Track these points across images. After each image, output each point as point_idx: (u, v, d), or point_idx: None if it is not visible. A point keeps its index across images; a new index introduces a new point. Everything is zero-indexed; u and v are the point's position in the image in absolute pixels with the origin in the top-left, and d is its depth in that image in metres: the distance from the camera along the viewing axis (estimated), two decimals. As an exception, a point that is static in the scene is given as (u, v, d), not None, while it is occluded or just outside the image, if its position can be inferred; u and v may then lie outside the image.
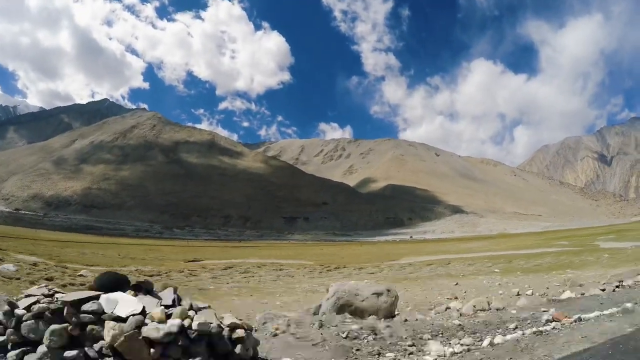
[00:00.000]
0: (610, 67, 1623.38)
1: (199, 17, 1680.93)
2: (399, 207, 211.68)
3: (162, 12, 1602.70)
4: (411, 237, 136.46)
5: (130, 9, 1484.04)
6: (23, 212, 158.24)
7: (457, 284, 19.88)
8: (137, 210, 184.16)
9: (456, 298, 15.03)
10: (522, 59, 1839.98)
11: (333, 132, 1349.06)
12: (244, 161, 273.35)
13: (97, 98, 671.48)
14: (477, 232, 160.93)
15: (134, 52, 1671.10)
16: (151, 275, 23.59)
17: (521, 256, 35.04)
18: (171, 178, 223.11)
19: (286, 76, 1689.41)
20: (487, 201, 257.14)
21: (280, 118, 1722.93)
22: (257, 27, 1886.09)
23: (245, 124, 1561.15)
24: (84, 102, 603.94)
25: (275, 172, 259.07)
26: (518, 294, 14.11)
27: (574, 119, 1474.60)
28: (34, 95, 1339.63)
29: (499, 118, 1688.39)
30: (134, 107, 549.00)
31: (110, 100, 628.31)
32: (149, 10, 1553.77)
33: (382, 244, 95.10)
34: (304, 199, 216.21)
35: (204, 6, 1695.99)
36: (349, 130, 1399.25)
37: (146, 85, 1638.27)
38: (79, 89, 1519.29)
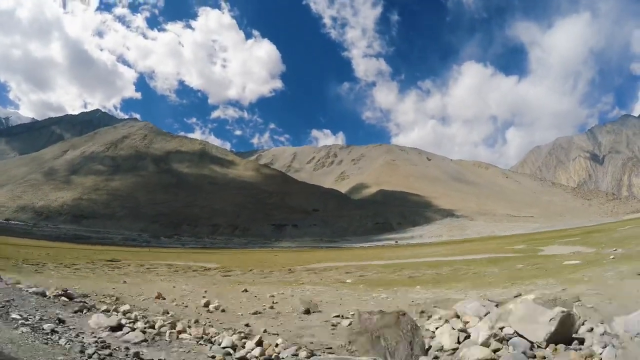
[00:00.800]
0: (600, 65, 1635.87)
1: (190, 27, 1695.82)
2: (389, 213, 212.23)
3: (153, 22, 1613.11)
4: (396, 242, 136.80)
5: (120, 19, 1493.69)
6: (13, 222, 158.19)
7: (245, 290, 18.86)
8: (127, 220, 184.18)
9: (164, 298, 14.38)
10: (512, 61, 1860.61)
11: (325, 139, 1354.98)
12: (235, 170, 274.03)
13: (90, 109, 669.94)
14: (465, 235, 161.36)
15: (125, 62, 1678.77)
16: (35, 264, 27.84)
17: (432, 264, 33.64)
18: (162, 188, 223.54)
19: (278, 84, 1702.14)
20: (479, 204, 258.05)
21: (272, 126, 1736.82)
22: (248, 36, 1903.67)
23: (238, 132, 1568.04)
24: (76, 112, 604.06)
25: (267, 180, 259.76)
26: (206, 304, 13.23)
27: (566, 118, 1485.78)
28: (26, 106, 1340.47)
29: (490, 120, 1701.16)
30: (126, 117, 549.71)
31: (103, 110, 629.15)
32: (139, 20, 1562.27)
33: (339, 250, 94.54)
34: (294, 206, 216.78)
35: (194, 16, 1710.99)
36: (341, 137, 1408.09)
37: (138, 95, 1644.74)
38: (71, 99, 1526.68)
